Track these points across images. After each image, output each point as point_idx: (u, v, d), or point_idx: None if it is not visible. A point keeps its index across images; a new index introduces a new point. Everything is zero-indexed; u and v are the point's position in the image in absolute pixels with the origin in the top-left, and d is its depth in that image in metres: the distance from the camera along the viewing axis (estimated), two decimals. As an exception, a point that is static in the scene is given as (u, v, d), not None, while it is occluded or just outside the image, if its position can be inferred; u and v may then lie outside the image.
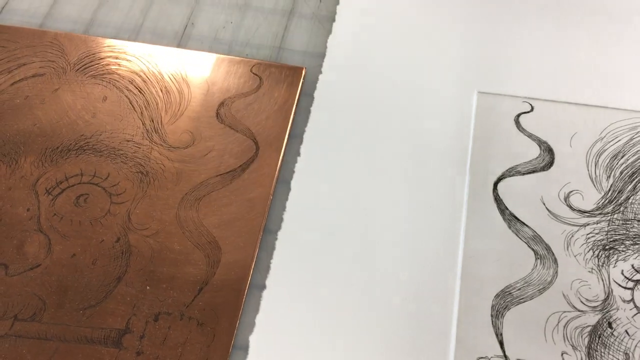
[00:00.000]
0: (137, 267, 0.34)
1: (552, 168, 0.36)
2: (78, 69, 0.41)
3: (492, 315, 0.32)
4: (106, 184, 0.36)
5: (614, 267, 0.33)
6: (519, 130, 0.37)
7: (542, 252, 0.33)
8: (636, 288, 0.32)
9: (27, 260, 0.34)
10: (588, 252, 0.33)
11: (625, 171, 0.36)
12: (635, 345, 0.31)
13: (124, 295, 0.33)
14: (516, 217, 0.34)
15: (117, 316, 0.32)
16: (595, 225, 0.34)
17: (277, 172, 0.37)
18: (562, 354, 0.31)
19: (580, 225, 0.34)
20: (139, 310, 0.32)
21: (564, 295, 0.32)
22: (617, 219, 0.34)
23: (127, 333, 0.32)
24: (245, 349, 0.31)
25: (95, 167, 0.37)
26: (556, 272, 0.33)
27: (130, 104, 0.39)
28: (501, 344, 0.31)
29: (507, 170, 0.36)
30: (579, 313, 0.32)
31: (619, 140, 0.37)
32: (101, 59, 0.41)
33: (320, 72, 0.40)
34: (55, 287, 0.33)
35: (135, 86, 0.40)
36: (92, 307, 0.32)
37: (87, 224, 0.35)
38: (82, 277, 0.33)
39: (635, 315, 0.31)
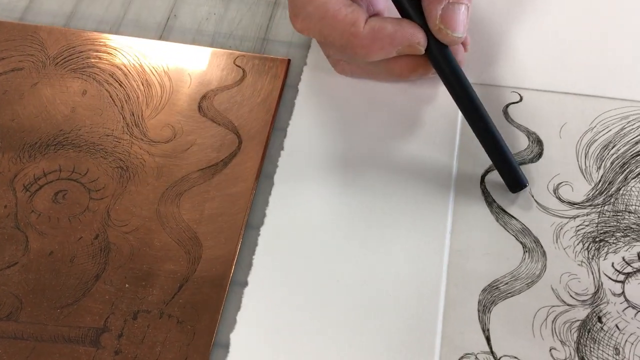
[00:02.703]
0: (116, 264, 0.33)
1: (541, 159, 0.35)
2: (57, 63, 0.40)
3: (478, 311, 0.31)
4: (85, 179, 0.35)
5: (605, 259, 0.32)
6: (508, 121, 0.37)
7: (531, 245, 0.33)
8: (627, 281, 0.31)
9: (3, 259, 0.33)
10: (578, 244, 0.33)
11: (616, 162, 0.35)
12: (626, 340, 0.30)
13: (102, 294, 0.32)
14: (504, 210, 0.34)
15: (95, 315, 0.31)
16: (585, 217, 0.33)
17: (260, 167, 0.36)
18: (550, 350, 0.30)
19: (570, 217, 0.33)
20: (118, 309, 0.32)
21: (552, 289, 0.31)
22: (608, 211, 0.33)
23: (105, 332, 0.31)
24: (226, 346, 0.31)
25: (74, 163, 0.36)
26: (545, 265, 0.32)
27: (111, 97, 0.39)
28: (488, 339, 0.30)
29: (495, 162, 0.35)
30: (568, 307, 0.31)
31: (610, 130, 0.36)
32: (81, 52, 0.40)
33: (305, 64, 0.40)
34: (32, 285, 0.32)
35: (115, 79, 0.39)
36: (69, 306, 0.32)
37: (66, 220, 0.34)
38: (59, 275, 0.32)
39: (625, 309, 0.31)
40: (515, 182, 0.33)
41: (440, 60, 0.33)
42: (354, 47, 0.33)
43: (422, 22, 0.33)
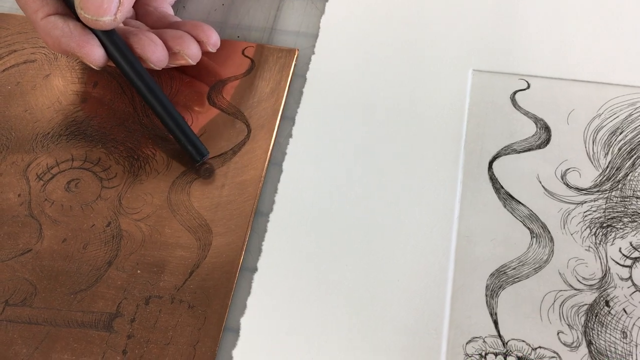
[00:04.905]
0: (128, 251, 0.33)
1: (548, 146, 0.35)
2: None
3: (486, 295, 0.31)
4: (97, 168, 0.36)
5: (612, 244, 0.32)
6: (515, 108, 0.37)
7: (538, 230, 0.33)
8: (634, 266, 0.31)
9: (17, 246, 0.34)
10: (585, 230, 0.33)
11: (624, 148, 0.35)
12: (633, 324, 0.30)
13: (114, 279, 0.32)
14: (511, 196, 0.34)
15: (107, 300, 0.32)
16: (592, 203, 0.33)
17: (269, 155, 0.36)
18: (557, 333, 0.30)
19: (577, 203, 0.33)
20: (130, 294, 0.32)
21: (560, 274, 0.32)
22: (615, 196, 0.33)
23: (117, 317, 0.31)
24: (236, 331, 0.31)
25: (86, 152, 0.37)
26: (552, 250, 0.32)
27: (121, 88, 0.39)
28: (495, 323, 0.30)
29: (502, 148, 0.35)
30: (575, 292, 0.31)
31: (617, 117, 0.36)
32: (92, 44, 0.41)
33: (313, 53, 0.40)
34: (46, 272, 0.33)
35: (126, 70, 0.40)
36: (82, 292, 0.32)
37: (78, 208, 0.35)
38: (72, 262, 0.33)
39: (633, 293, 0.31)
40: (198, 151, 0.35)
41: (111, 48, 0.34)
42: (36, 31, 0.36)
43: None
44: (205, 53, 0.38)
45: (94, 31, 0.34)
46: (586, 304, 0.31)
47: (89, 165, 0.36)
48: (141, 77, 0.35)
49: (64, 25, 0.34)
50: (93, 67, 0.34)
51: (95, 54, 0.34)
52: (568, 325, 0.30)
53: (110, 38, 0.34)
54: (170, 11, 0.40)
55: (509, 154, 0.35)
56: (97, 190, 0.35)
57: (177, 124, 0.35)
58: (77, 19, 0.33)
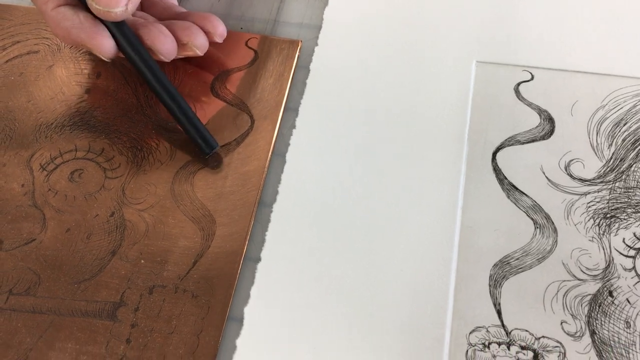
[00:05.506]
0: (131, 241, 0.33)
1: (552, 137, 0.35)
2: (72, 46, 0.40)
3: (490, 285, 0.31)
4: (100, 159, 0.36)
5: (615, 235, 0.32)
6: (519, 99, 0.37)
7: (542, 221, 0.33)
8: (638, 256, 0.31)
9: (21, 236, 0.34)
10: (589, 220, 0.33)
11: (628, 139, 0.35)
12: (637, 314, 0.30)
13: (118, 269, 0.33)
14: (515, 187, 0.34)
15: (111, 289, 0.32)
16: (596, 194, 0.33)
17: (272, 146, 0.36)
18: (561, 323, 0.30)
19: (581, 194, 0.33)
20: (134, 284, 0.32)
21: (563, 264, 0.32)
22: (619, 187, 0.33)
23: (121, 306, 0.32)
24: (240, 320, 0.31)
25: (89, 143, 0.37)
26: (556, 241, 0.32)
27: (125, 79, 0.39)
28: (499, 313, 0.30)
29: (506, 139, 0.35)
30: (578, 282, 0.31)
31: (622, 108, 0.36)
32: (95, 35, 0.41)
33: (317, 45, 0.40)
34: (50, 261, 0.33)
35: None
36: (86, 281, 0.32)
37: (82, 198, 0.35)
38: (76, 252, 0.33)
39: (636, 283, 0.31)
40: (207, 144, 0.35)
41: (121, 39, 0.34)
42: (45, 22, 0.35)
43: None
44: (209, 44, 0.38)
45: (104, 22, 0.34)
46: (589, 294, 0.31)
47: (92, 156, 0.36)
48: (151, 69, 0.34)
49: (74, 16, 0.34)
50: (103, 58, 0.34)
51: (106, 45, 0.34)
52: (571, 315, 0.30)
53: (120, 29, 0.34)
54: (175, 2, 0.40)
55: (512, 145, 0.35)
56: (100, 180, 0.35)
57: (187, 116, 0.35)
58: (87, 10, 0.33)
